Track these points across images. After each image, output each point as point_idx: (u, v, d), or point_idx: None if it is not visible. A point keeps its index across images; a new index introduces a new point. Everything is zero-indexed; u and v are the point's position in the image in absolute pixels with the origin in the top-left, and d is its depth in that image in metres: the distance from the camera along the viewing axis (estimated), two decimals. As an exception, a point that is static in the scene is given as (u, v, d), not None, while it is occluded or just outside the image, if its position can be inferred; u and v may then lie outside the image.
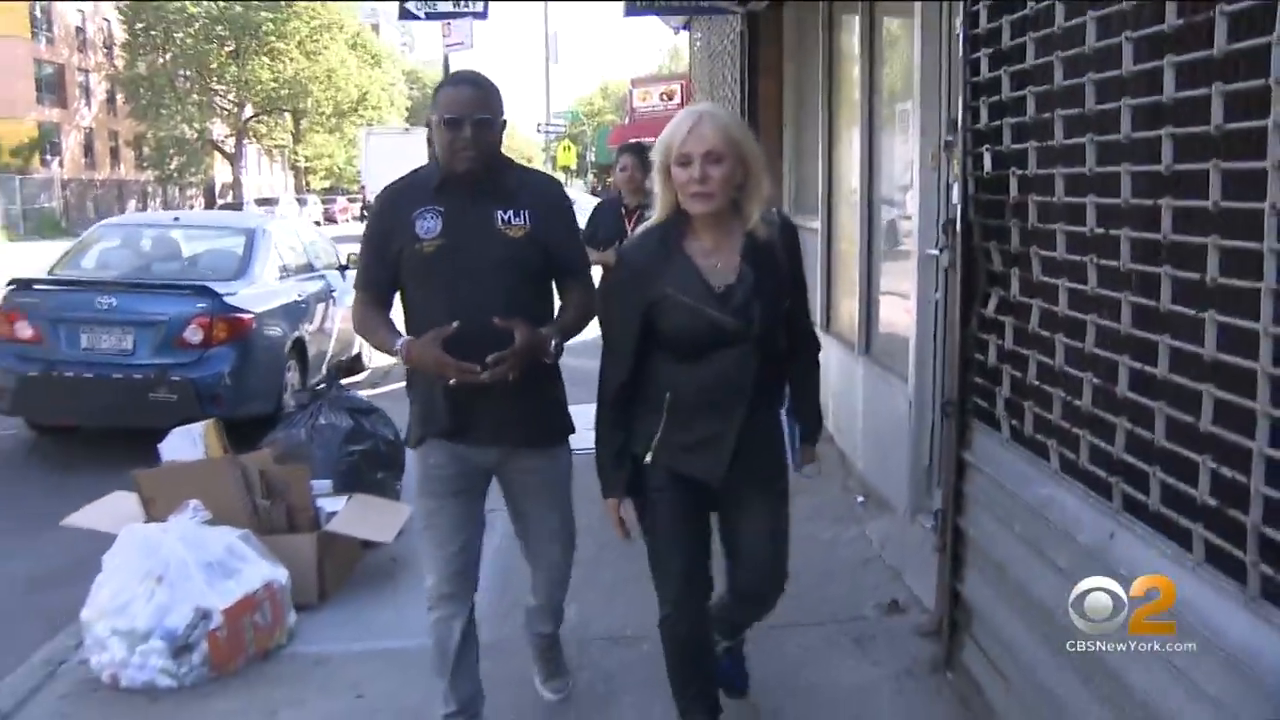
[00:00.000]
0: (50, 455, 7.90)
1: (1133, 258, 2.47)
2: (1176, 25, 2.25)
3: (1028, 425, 3.13)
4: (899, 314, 5.71)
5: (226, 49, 52.15)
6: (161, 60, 51.52)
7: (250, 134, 56.52)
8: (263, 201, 48.75)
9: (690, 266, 2.86)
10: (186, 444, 5.31)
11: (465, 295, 3.00)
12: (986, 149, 3.37)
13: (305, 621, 4.45)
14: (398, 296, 3.23)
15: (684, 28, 13.84)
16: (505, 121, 3.16)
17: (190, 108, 51.78)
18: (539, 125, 35.56)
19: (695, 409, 2.90)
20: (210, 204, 53.29)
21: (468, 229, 3.05)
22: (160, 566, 4.07)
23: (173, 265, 8.60)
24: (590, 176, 53.23)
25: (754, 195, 2.86)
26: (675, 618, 3.07)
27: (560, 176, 41.66)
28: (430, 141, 6.11)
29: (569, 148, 37.00)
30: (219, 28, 51.28)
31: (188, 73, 52.16)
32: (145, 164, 55.38)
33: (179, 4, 50.06)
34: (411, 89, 71.67)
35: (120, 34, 52.75)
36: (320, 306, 8.91)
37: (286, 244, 9.05)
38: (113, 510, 4.88)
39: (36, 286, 7.73)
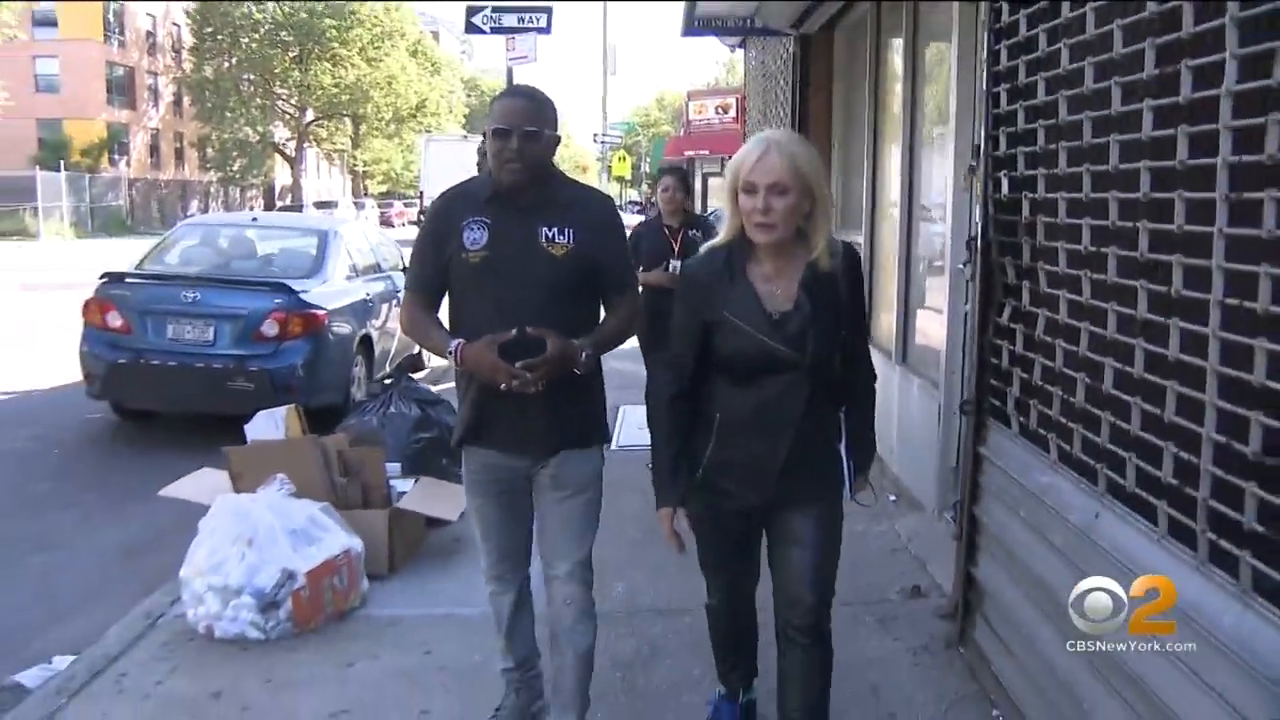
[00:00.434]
0: (133, 437, 8.44)
1: (1118, 272, 2.84)
2: (1154, 74, 2.63)
3: (1032, 421, 3.50)
4: (933, 325, 6.05)
5: (290, 54, 53.20)
6: (227, 64, 52.76)
7: (311, 138, 57.54)
8: (321, 204, 49.68)
9: (750, 291, 2.87)
10: (269, 425, 5.78)
11: (506, 307, 3.01)
12: (1004, 174, 3.75)
13: (377, 589, 4.89)
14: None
15: (739, 46, 14.22)
16: (558, 137, 3.17)
17: (254, 111, 52.99)
18: (595, 135, 35.99)
19: (744, 431, 2.92)
20: (270, 206, 54.32)
21: (511, 243, 3.05)
22: (251, 531, 4.52)
23: (250, 263, 9.16)
24: (645, 187, 53.71)
25: (820, 226, 2.86)
26: (720, 611, 3.33)
27: (614, 186, 42.10)
28: (481, 152, 6.54)
29: (624, 158, 37.45)
30: (283, 33, 52.42)
31: (252, 77, 53.32)
32: (208, 165, 56.59)
33: (245, 9, 51.28)
34: (469, 96, 72.59)
35: (188, 38, 54.06)
36: (385, 306, 9.37)
37: (356, 246, 9.55)
38: (204, 483, 5.36)
39: (127, 280, 8.28)
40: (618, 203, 51.26)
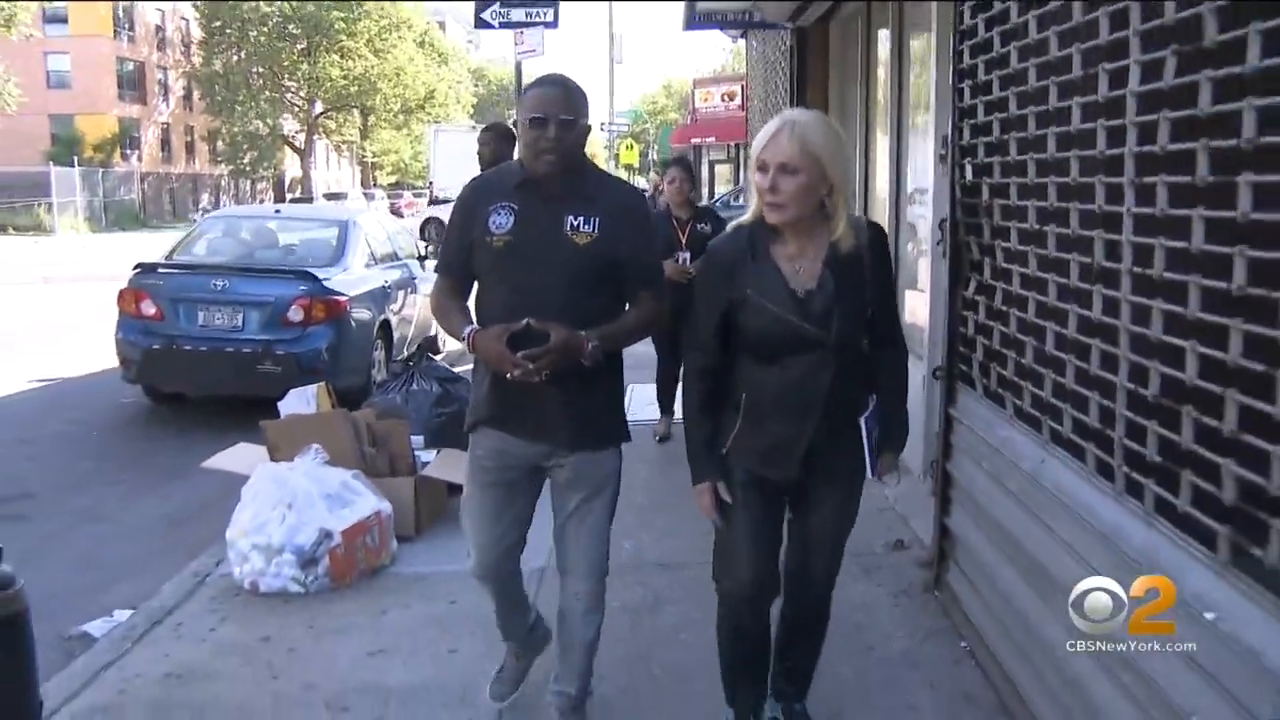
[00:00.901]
0: (166, 420, 8.92)
1: (1056, 247, 3.26)
2: (1080, 75, 3.04)
3: (993, 382, 3.92)
4: (920, 304, 6.46)
5: (298, 47, 53.68)
6: (236, 58, 53.29)
7: (320, 130, 58.05)
8: (331, 196, 50.04)
9: (774, 270, 2.87)
10: (301, 402, 6.24)
11: (525, 294, 3.02)
12: (968, 161, 4.16)
13: (404, 550, 5.33)
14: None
15: (741, 36, 14.61)
16: (589, 125, 3.18)
17: (263, 104, 53.52)
18: (603, 124, 36.36)
19: (771, 411, 2.91)
20: (280, 198, 54.73)
21: (536, 230, 3.06)
22: (290, 495, 4.96)
23: (274, 253, 9.61)
24: (653, 174, 54.00)
25: (840, 206, 2.84)
26: (737, 614, 3.20)
27: (623, 174, 42.41)
28: (481, 141, 6.86)
29: (631, 146, 37.83)
30: (291, 26, 52.90)
31: (261, 70, 53.77)
32: (219, 158, 57.11)
33: (253, 3, 51.72)
34: (477, 86, 72.91)
35: (197, 32, 54.58)
36: (402, 293, 9.80)
37: (373, 235, 9.99)
38: (243, 455, 5.81)
39: (159, 270, 8.74)
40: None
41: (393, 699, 3.88)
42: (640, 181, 54.86)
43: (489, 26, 12.39)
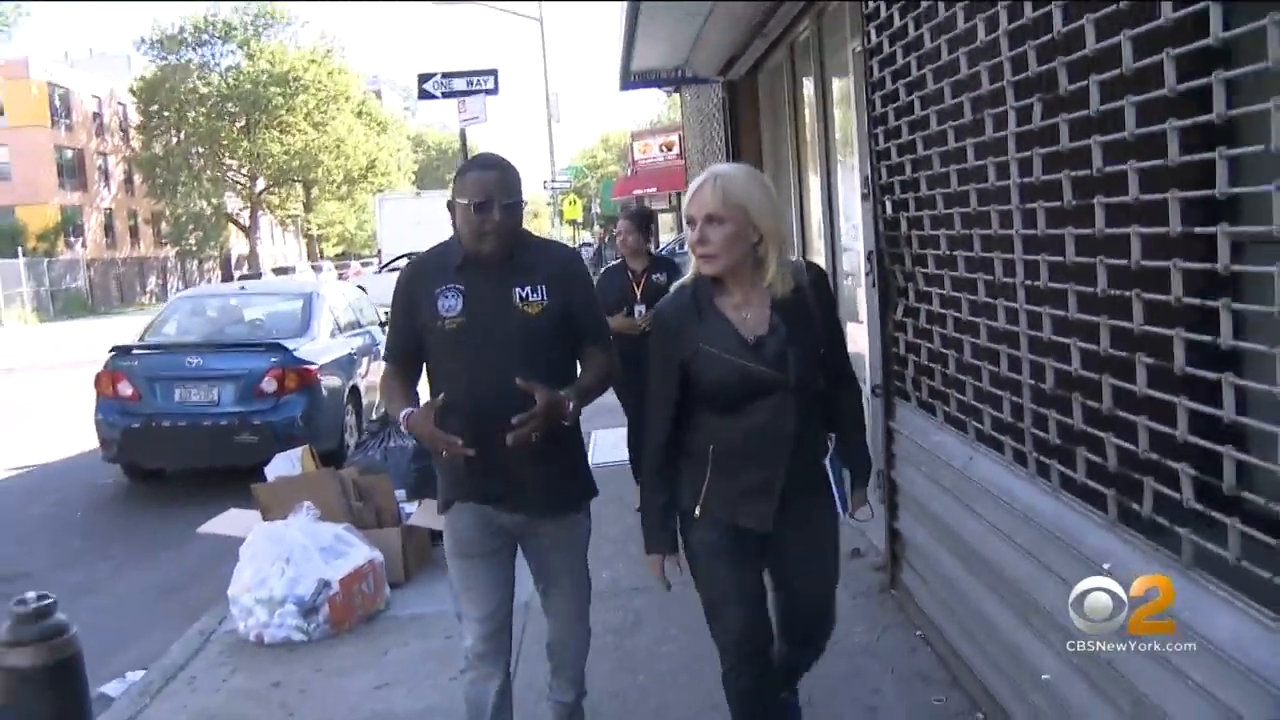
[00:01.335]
0: (146, 497, 9.18)
1: (965, 269, 3.73)
2: (972, 119, 3.53)
3: (924, 393, 4.37)
4: (861, 333, 6.92)
5: (238, 125, 53.89)
6: (176, 139, 53.38)
7: (264, 205, 58.11)
8: (279, 270, 50.13)
9: (722, 320, 2.90)
10: (287, 465, 6.59)
11: (485, 370, 3.05)
12: (887, 198, 4.64)
13: (396, 595, 5.68)
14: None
15: (675, 90, 15.19)
16: (525, 202, 3.28)
17: (205, 183, 53.58)
18: (545, 182, 36.92)
19: (740, 459, 2.92)
20: (227, 276, 54.63)
21: (487, 307, 3.11)
22: (287, 550, 5.30)
23: (243, 328, 9.92)
24: (597, 228, 54.66)
25: (768, 254, 2.88)
26: (738, 672, 3.12)
27: (567, 230, 42.86)
28: (452, 208, 7.21)
29: (574, 202, 38.37)
30: (230, 104, 53.06)
31: (201, 150, 53.86)
32: (164, 240, 57.07)
33: (191, 83, 52.00)
34: (416, 152, 73.48)
35: (135, 116, 54.70)
36: (366, 359, 10.16)
37: (336, 305, 10.36)
38: (235, 520, 6.14)
39: (133, 351, 9.05)
40: (572, 245, 51.98)
41: (402, 724, 4.24)
42: (585, 235, 55.45)
43: (432, 97, 12.88)
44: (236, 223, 58.04)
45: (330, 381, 9.15)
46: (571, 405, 3.07)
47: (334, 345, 9.62)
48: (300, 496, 5.78)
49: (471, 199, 3.07)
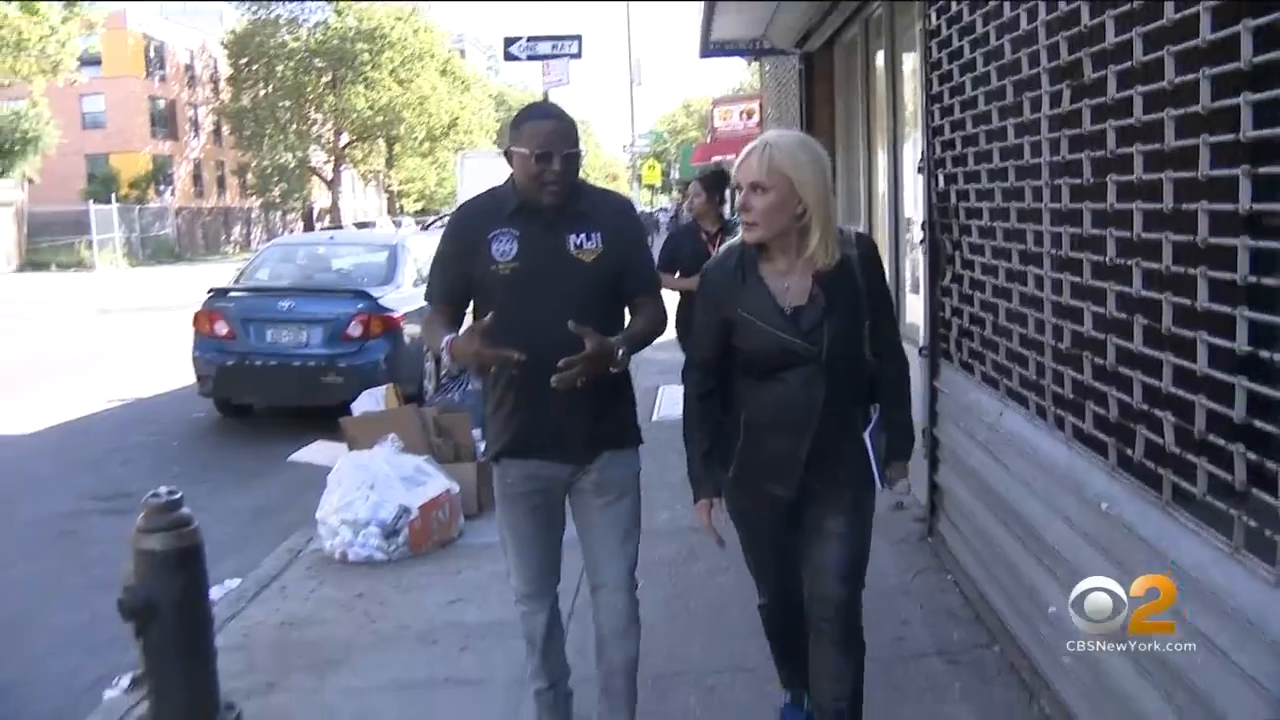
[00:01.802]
0: (237, 429, 9.84)
1: (1003, 239, 4.05)
2: (1015, 101, 3.84)
3: (965, 354, 4.70)
4: (917, 301, 7.22)
5: (324, 80, 54.75)
6: (264, 92, 54.39)
7: (347, 160, 59.02)
8: (360, 224, 50.88)
9: (762, 288, 2.91)
10: (372, 402, 7.09)
11: (538, 317, 2.99)
12: (940, 171, 4.95)
13: (470, 524, 6.15)
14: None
15: (756, 59, 15.40)
16: (584, 151, 3.23)
17: (290, 136, 54.43)
18: (624, 145, 37.21)
19: (768, 427, 2.96)
20: (310, 228, 55.45)
21: (542, 253, 3.07)
22: (371, 478, 5.79)
23: (331, 275, 10.49)
24: (675, 193, 54.80)
25: (812, 225, 2.85)
26: (772, 609, 3.32)
27: (645, 194, 43.00)
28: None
29: (653, 166, 38.65)
30: (317, 60, 53.91)
31: (288, 103, 54.82)
32: (250, 191, 58.17)
33: (280, 38, 52.97)
34: (498, 111, 74.00)
35: (226, 69, 55.86)
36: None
37: (421, 256, 10.80)
38: (322, 450, 6.69)
39: (230, 294, 9.65)
40: (649, 210, 52.08)
41: (472, 633, 4.70)
42: (663, 200, 55.53)
43: (517, 59, 13.23)
44: (320, 176, 58.95)
45: (412, 329, 9.55)
46: (621, 352, 3.02)
47: (417, 295, 10.03)
48: (385, 429, 6.26)
49: (532, 150, 3.02)
